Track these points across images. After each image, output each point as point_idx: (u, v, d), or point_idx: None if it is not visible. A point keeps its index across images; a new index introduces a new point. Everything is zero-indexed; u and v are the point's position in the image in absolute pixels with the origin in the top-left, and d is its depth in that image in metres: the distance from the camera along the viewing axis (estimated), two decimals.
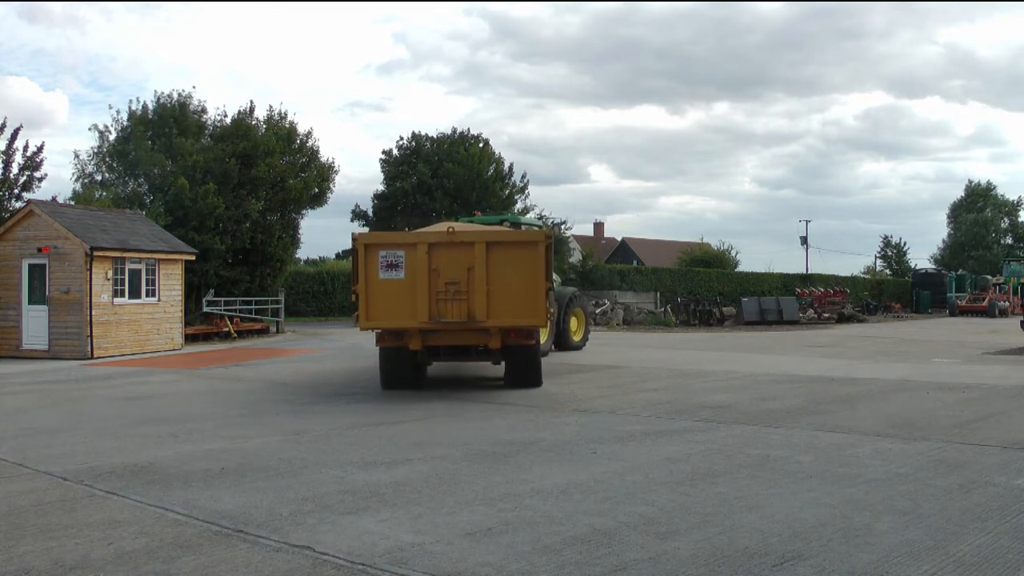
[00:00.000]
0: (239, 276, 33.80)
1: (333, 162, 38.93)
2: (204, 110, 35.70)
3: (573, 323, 21.64)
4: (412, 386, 13.73)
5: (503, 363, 14.10)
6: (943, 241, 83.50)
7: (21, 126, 26.69)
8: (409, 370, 13.65)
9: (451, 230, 12.74)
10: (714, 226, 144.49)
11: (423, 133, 47.52)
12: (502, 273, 12.43)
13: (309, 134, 37.71)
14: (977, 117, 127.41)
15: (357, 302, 12.47)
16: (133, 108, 34.41)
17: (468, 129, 48.63)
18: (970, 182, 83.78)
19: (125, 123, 33.99)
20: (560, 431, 9.94)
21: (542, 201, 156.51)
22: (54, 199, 27.31)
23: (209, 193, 31.24)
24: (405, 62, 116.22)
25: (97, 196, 31.14)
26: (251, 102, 40.66)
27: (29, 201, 23.57)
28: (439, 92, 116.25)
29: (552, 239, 12.88)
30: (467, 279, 12.40)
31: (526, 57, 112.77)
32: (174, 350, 23.80)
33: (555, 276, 18.74)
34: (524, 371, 13.78)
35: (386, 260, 12.42)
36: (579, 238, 63.89)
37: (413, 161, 46.09)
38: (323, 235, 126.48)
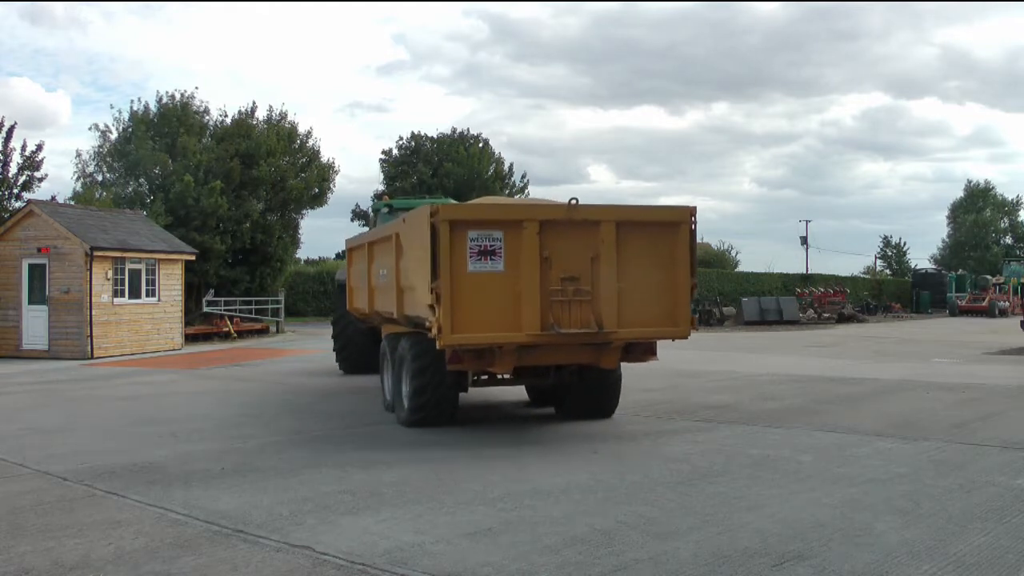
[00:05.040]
0: (239, 276, 33.85)
1: (333, 162, 39.03)
2: (207, 111, 35.74)
3: None
4: (450, 421, 10.22)
5: (531, 386, 11.41)
6: (943, 241, 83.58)
7: (15, 124, 26.71)
8: (456, 401, 10.30)
9: (574, 203, 9.23)
10: (714, 226, 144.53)
11: (423, 133, 47.60)
12: (636, 264, 9.28)
13: (309, 134, 37.79)
14: (975, 118, 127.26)
15: (436, 306, 8.73)
16: (135, 108, 34.45)
17: (468, 129, 48.74)
18: (969, 182, 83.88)
19: (126, 123, 34.02)
20: (560, 431, 9.93)
21: None
22: (53, 199, 27.34)
23: (214, 192, 31.25)
24: (405, 63, 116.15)
25: (97, 196, 31.18)
26: (252, 102, 40.77)
27: (29, 201, 23.60)
28: (439, 92, 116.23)
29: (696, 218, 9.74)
30: (591, 273, 9.12)
31: (526, 58, 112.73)
32: (174, 350, 23.80)
33: None
34: (605, 396, 10.71)
35: (478, 244, 8.90)
36: None
37: (413, 161, 46.14)
38: (323, 235, 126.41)
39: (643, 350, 9.87)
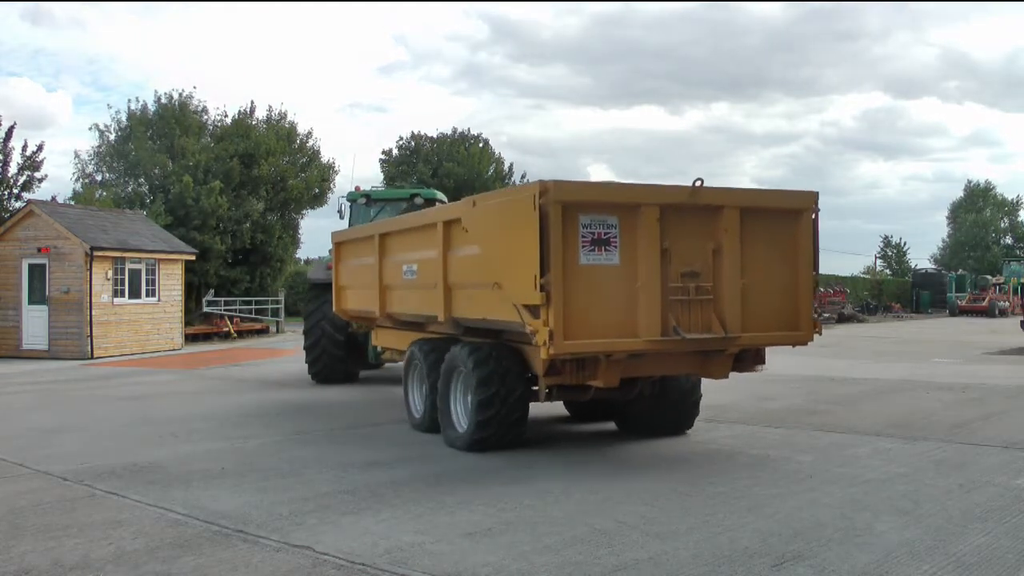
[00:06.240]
0: (239, 276, 33.88)
1: (333, 162, 39.09)
2: (205, 110, 35.79)
3: None
4: (518, 441, 8.77)
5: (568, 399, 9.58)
6: (943, 241, 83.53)
7: (15, 124, 26.91)
8: (527, 417, 8.76)
9: (698, 184, 7.90)
10: None
11: (423, 133, 47.60)
12: (758, 258, 8.14)
13: (309, 134, 37.84)
14: (974, 118, 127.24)
15: (545, 307, 7.31)
16: (132, 108, 34.49)
17: (468, 129, 48.76)
18: (969, 182, 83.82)
19: (124, 123, 34.06)
20: (559, 432, 9.93)
21: None
22: (53, 199, 27.39)
23: (213, 192, 31.28)
24: (405, 63, 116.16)
25: (97, 196, 31.22)
26: (251, 102, 40.76)
27: (29, 201, 23.65)
28: (439, 93, 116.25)
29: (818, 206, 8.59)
30: (712, 268, 7.97)
31: (525, 58, 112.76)
32: (174, 350, 23.81)
33: None
34: (685, 410, 9.43)
35: (591, 232, 7.55)
36: None
37: (413, 161, 46.16)
38: (323, 235, 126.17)
39: (753, 358, 8.67)
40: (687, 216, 7.85)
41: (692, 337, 7.73)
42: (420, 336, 10.39)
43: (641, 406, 9.26)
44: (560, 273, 7.30)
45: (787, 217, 8.38)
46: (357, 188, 16.12)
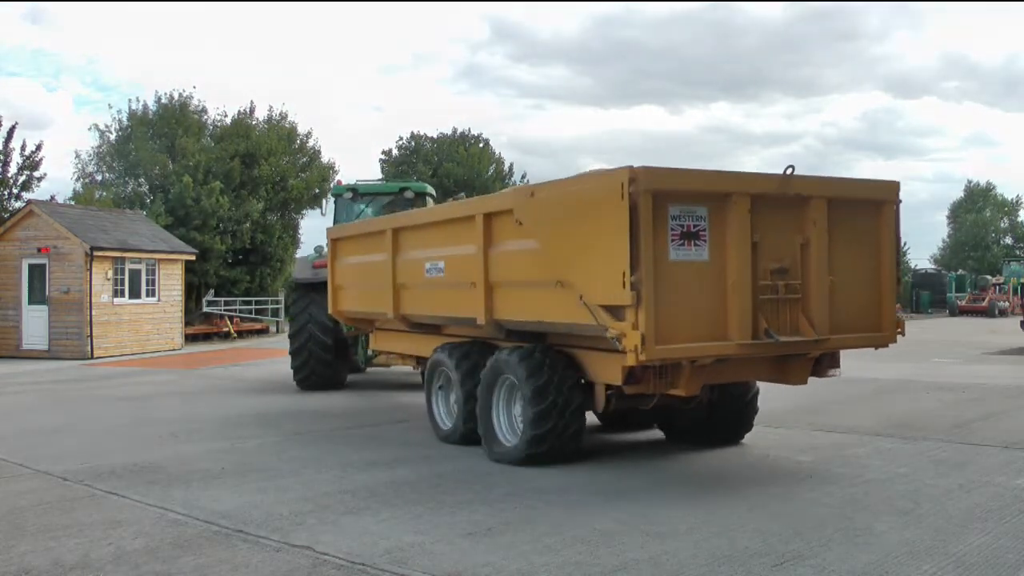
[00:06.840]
0: (239, 276, 33.87)
1: (333, 162, 39.13)
2: (204, 110, 35.81)
3: None
4: (576, 453, 8.12)
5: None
6: (943, 241, 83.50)
7: (16, 124, 26.87)
8: (584, 428, 8.14)
9: (790, 172, 7.29)
10: None
11: (423, 133, 47.60)
12: (844, 253, 7.58)
13: (309, 134, 37.86)
14: (974, 118, 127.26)
15: (634, 308, 6.58)
16: (133, 108, 34.52)
17: (468, 129, 48.75)
18: (969, 182, 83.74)
19: (125, 123, 34.09)
20: None
21: None
22: (53, 199, 27.38)
23: (214, 192, 31.28)
24: (405, 63, 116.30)
25: (97, 196, 31.24)
26: (251, 102, 40.71)
27: (29, 201, 23.67)
28: (439, 93, 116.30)
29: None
30: (800, 263, 7.36)
31: (526, 58, 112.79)
32: (174, 350, 23.82)
33: None
34: (742, 417, 8.88)
35: (680, 225, 6.87)
36: None
37: (413, 161, 46.16)
38: (323, 235, 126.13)
39: (829, 361, 8.03)
40: (777, 207, 7.26)
41: (788, 340, 7.16)
42: (444, 340, 9.61)
43: (696, 413, 8.61)
44: (651, 270, 6.62)
45: (869, 208, 7.87)
46: (339, 182, 15.27)
